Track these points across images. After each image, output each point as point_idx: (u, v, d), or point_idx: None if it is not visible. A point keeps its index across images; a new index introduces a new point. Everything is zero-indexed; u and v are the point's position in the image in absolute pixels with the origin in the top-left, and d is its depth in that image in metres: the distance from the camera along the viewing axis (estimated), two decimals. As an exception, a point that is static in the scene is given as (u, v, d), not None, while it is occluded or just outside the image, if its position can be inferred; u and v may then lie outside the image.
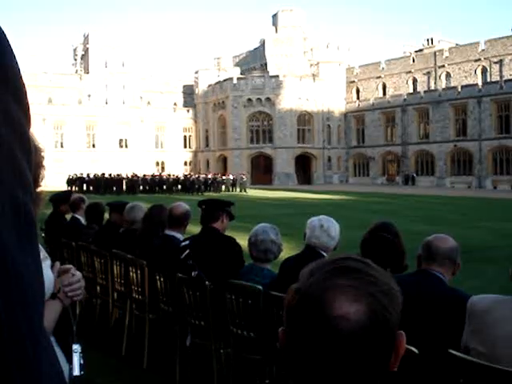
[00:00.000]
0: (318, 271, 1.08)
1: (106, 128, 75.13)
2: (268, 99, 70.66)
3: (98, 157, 72.69)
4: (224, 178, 59.37)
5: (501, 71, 65.67)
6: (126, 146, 77.14)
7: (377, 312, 1.03)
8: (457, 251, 3.69)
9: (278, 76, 71.57)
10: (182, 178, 58.83)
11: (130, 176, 57.14)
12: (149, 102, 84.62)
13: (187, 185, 54.56)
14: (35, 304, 0.58)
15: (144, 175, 58.45)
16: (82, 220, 8.51)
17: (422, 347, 2.84)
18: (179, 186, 55.89)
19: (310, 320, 1.03)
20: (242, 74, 79.82)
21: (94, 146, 75.40)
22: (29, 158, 0.64)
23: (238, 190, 55.41)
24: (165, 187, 55.33)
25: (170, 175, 59.93)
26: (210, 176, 59.23)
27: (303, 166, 72.78)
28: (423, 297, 3.32)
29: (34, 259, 0.61)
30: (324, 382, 1.04)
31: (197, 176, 58.93)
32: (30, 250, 0.60)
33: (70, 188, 49.86)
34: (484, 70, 68.06)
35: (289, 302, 1.09)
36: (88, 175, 57.24)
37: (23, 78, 0.63)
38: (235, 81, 72.32)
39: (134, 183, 54.59)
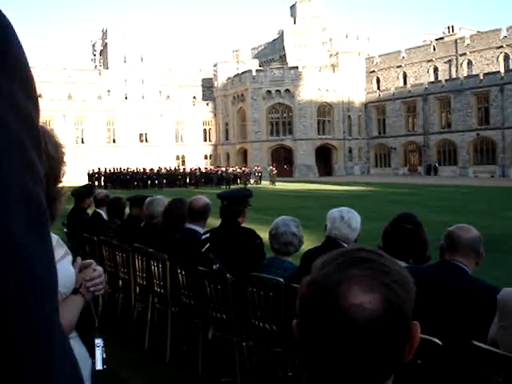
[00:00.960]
0: (331, 263, 1.08)
1: (125, 123, 75.50)
2: (287, 91, 70.42)
3: (118, 152, 73.10)
4: (252, 170, 59.12)
5: (523, 58, 64.74)
6: (147, 141, 77.48)
7: (391, 302, 1.02)
8: (479, 241, 3.63)
9: (297, 67, 71.26)
10: (209, 171, 58.93)
11: (155, 171, 57.17)
12: (168, 96, 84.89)
13: (216, 178, 54.52)
14: (48, 293, 0.57)
15: (175, 169, 59.13)
16: (104, 215, 8.58)
17: (445, 339, 2.80)
18: (203, 180, 55.70)
19: (324, 311, 1.02)
20: (260, 66, 79.69)
21: (114, 141, 75.79)
22: (38, 148, 0.64)
23: (260, 182, 55.40)
24: (193, 181, 55.45)
25: (198, 169, 59.77)
26: (237, 169, 58.98)
27: (324, 158, 72.52)
28: (446, 288, 3.28)
29: (45, 247, 0.60)
30: (338, 373, 1.03)
31: (225, 169, 58.66)
32: (40, 238, 0.60)
33: (91, 183, 50.27)
34: (506, 57, 67.11)
35: (302, 294, 1.09)
36: (110, 170, 57.60)
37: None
38: (254, 73, 72.14)
39: (168, 177, 54.89)
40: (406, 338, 1.06)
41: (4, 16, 0.63)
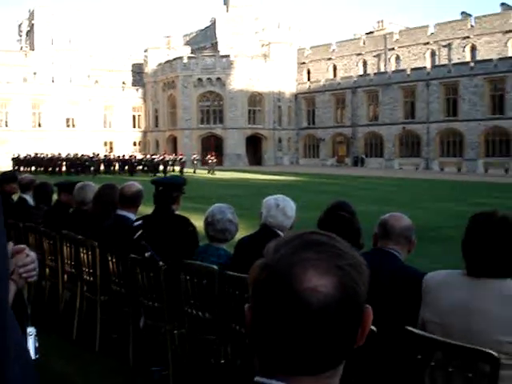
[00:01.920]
0: (285, 246, 1.06)
1: (52, 107, 73.25)
2: (219, 79, 70.21)
3: (44, 136, 70.76)
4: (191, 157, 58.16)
5: (449, 55, 66.95)
6: (74, 126, 75.49)
7: (346, 285, 1.02)
8: (411, 229, 3.77)
9: (228, 56, 71.07)
10: (141, 158, 57.93)
11: (89, 156, 55.75)
12: (97, 81, 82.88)
13: (148, 165, 53.53)
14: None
15: (107, 155, 57.63)
16: (30, 200, 8.30)
17: (379, 325, 2.86)
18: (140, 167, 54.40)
19: (278, 294, 1.01)
20: (192, 53, 78.98)
21: (39, 125, 73.49)
22: None
23: (192, 170, 54.28)
24: (126, 168, 53.80)
25: (131, 156, 58.37)
26: (170, 157, 58.03)
27: (254, 147, 72.80)
28: (380, 274, 3.35)
29: None
30: (292, 358, 1.02)
31: (160, 156, 57.57)
32: None
33: (16, 168, 48.66)
34: (433, 54, 69.27)
35: (255, 279, 1.06)
36: (39, 154, 55.98)
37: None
38: (185, 60, 71.50)
39: (95, 163, 53.26)
40: (359, 321, 1.06)
41: None
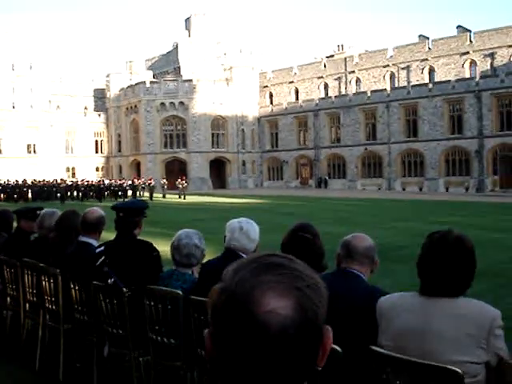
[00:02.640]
0: (243, 269, 1.06)
1: (12, 133, 72.13)
2: (182, 103, 70.30)
3: (4, 163, 69.65)
4: (145, 182, 56.89)
5: (408, 77, 68.23)
6: (35, 152, 74.43)
7: (305, 306, 1.02)
8: (374, 249, 3.81)
9: (191, 80, 71.31)
10: (110, 183, 56.90)
11: (56, 182, 54.35)
12: (58, 106, 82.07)
13: (116, 191, 52.68)
14: None
15: (71, 181, 56.18)
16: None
17: (344, 346, 2.87)
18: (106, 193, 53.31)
19: (237, 318, 1.00)
20: (154, 77, 79.07)
21: (0, 151, 72.33)
22: None
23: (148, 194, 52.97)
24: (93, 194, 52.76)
25: (99, 181, 57.20)
26: (128, 182, 57.29)
27: (218, 171, 72.88)
28: (344, 295, 3.37)
29: None
30: (254, 382, 1.01)
31: (132, 181, 56.74)
32: None
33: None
34: (392, 76, 70.55)
35: (214, 303, 1.06)
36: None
37: None
38: (148, 84, 71.49)
39: (63, 189, 51.70)
40: (319, 342, 1.06)
41: None
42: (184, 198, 49.07)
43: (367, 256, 3.71)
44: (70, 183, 55.77)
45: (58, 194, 50.18)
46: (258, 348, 0.99)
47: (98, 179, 59.58)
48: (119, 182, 56.82)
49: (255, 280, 1.03)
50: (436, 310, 2.92)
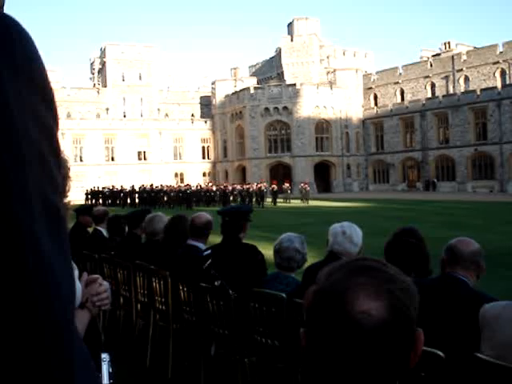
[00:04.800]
0: (337, 272, 1.10)
1: (124, 141, 75.61)
2: (285, 108, 70.65)
3: (117, 170, 73.21)
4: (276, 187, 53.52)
5: (520, 73, 65.11)
6: (145, 159, 77.54)
7: (397, 308, 1.05)
8: (480, 254, 3.67)
9: (294, 84, 71.56)
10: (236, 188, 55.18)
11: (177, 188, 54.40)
12: (166, 114, 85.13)
13: (244, 195, 51.07)
14: (70, 302, 0.61)
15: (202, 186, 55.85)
16: (104, 232, 8.58)
17: (448, 351, 2.82)
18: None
19: (332, 318, 1.04)
20: (258, 83, 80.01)
21: (113, 159, 75.89)
22: (57, 159, 0.66)
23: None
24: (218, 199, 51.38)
25: (225, 186, 55.88)
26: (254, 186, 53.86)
27: (322, 174, 72.55)
28: (448, 300, 3.30)
29: (65, 259, 0.63)
30: (345, 380, 1.05)
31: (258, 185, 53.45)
32: (61, 251, 0.62)
33: (88, 202, 50.03)
34: (503, 73, 67.50)
35: (309, 303, 1.11)
36: (114, 188, 57.05)
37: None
38: (252, 90, 72.40)
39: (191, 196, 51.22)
40: (411, 344, 1.08)
41: (9, 17, 0.65)
42: (307, 202, 47.79)
43: (473, 261, 3.59)
44: (204, 189, 54.73)
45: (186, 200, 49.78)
46: (351, 346, 1.03)
47: (224, 184, 58.28)
48: (246, 187, 54.12)
49: (348, 282, 1.07)
50: None
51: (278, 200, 50.27)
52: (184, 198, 50.96)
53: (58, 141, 0.66)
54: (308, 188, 52.02)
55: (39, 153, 0.62)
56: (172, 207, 47.61)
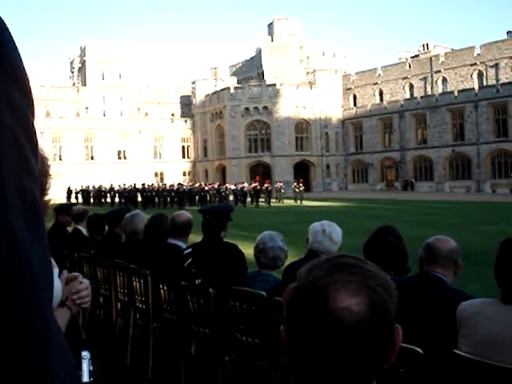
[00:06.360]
0: (317, 269, 1.11)
1: (104, 140, 75.13)
2: (265, 108, 70.74)
3: (96, 169, 72.72)
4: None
5: (497, 75, 65.81)
6: (125, 158, 77.15)
7: (377, 304, 1.06)
8: (457, 252, 3.73)
9: (274, 84, 71.70)
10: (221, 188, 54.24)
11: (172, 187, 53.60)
12: (146, 113, 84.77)
13: (238, 194, 50.38)
14: (45, 290, 0.60)
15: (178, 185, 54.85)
16: (84, 231, 8.53)
17: (426, 348, 2.86)
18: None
19: (312, 314, 1.05)
20: (238, 83, 79.99)
21: (92, 158, 75.40)
22: (33, 146, 0.64)
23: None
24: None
25: (219, 185, 55.56)
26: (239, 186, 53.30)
27: (302, 174, 72.70)
28: (426, 298, 3.35)
29: (41, 247, 0.62)
30: (325, 376, 1.06)
31: (241, 186, 53.29)
32: (37, 238, 0.61)
33: (69, 200, 49.63)
34: (480, 74, 68.23)
35: (289, 300, 1.11)
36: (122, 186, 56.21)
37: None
38: (232, 90, 72.38)
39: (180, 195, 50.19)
40: (390, 340, 1.10)
41: None
42: (301, 202, 47.06)
43: (450, 259, 3.65)
44: (197, 188, 53.94)
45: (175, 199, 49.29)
46: (332, 342, 1.05)
47: (218, 183, 57.45)
48: (240, 187, 53.15)
49: (329, 278, 1.08)
50: None
51: (271, 200, 49.60)
52: (176, 197, 50.36)
53: (34, 129, 0.65)
54: (302, 187, 50.91)
55: (14, 139, 0.60)
56: (165, 207, 46.47)
